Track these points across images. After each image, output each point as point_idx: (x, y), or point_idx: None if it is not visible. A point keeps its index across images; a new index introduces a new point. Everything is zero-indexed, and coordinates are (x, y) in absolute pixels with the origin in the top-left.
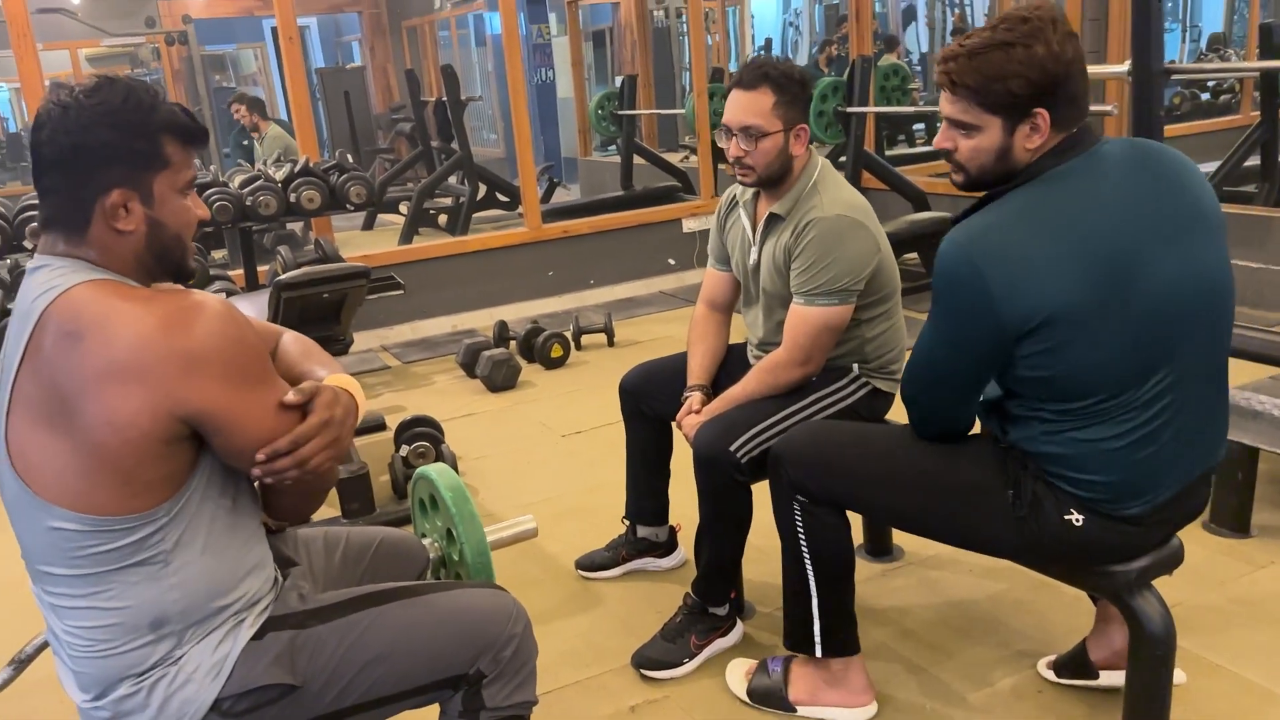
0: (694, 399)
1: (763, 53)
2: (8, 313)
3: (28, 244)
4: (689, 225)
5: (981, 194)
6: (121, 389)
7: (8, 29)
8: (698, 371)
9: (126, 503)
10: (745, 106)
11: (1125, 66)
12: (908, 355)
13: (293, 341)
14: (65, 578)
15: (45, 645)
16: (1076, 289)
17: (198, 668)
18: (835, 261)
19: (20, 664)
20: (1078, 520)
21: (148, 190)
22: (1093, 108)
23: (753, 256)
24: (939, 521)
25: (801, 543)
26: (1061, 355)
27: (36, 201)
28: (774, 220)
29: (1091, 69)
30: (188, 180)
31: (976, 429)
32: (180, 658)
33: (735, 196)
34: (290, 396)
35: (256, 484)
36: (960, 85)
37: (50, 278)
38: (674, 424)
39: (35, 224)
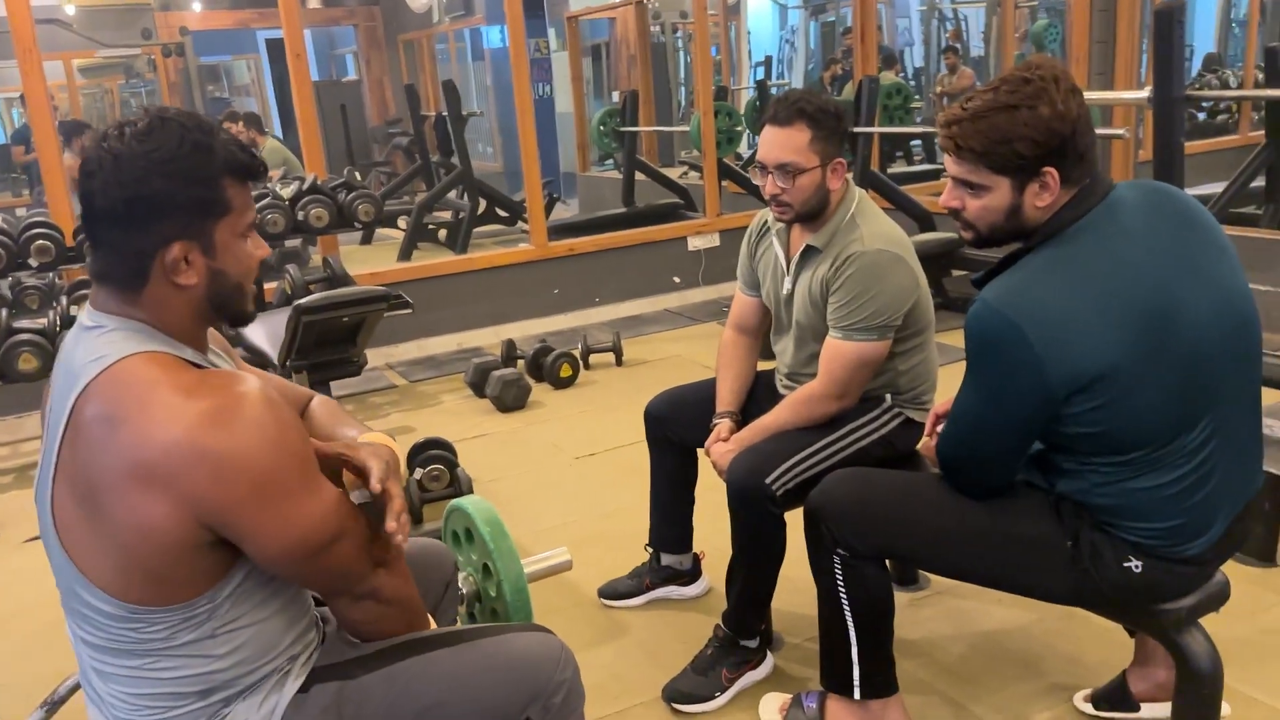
0: (723, 426)
1: (761, 70)
2: (12, 332)
3: (32, 262)
4: (694, 244)
5: (996, 252)
6: (146, 494)
7: (11, 42)
8: (727, 398)
9: (164, 596)
10: (781, 143)
11: (1146, 93)
12: (939, 382)
13: (320, 406)
14: (104, 648)
15: (78, 687)
16: (1121, 343)
17: None
18: (876, 297)
19: (53, 706)
20: (1137, 567)
21: (209, 240)
22: (1104, 131)
23: (786, 286)
24: (994, 573)
25: (841, 594)
26: (1111, 410)
27: (36, 219)
28: (811, 252)
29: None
30: (249, 223)
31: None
32: (227, 715)
33: (767, 222)
34: (355, 498)
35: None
36: (965, 149)
37: (101, 345)
38: (701, 451)
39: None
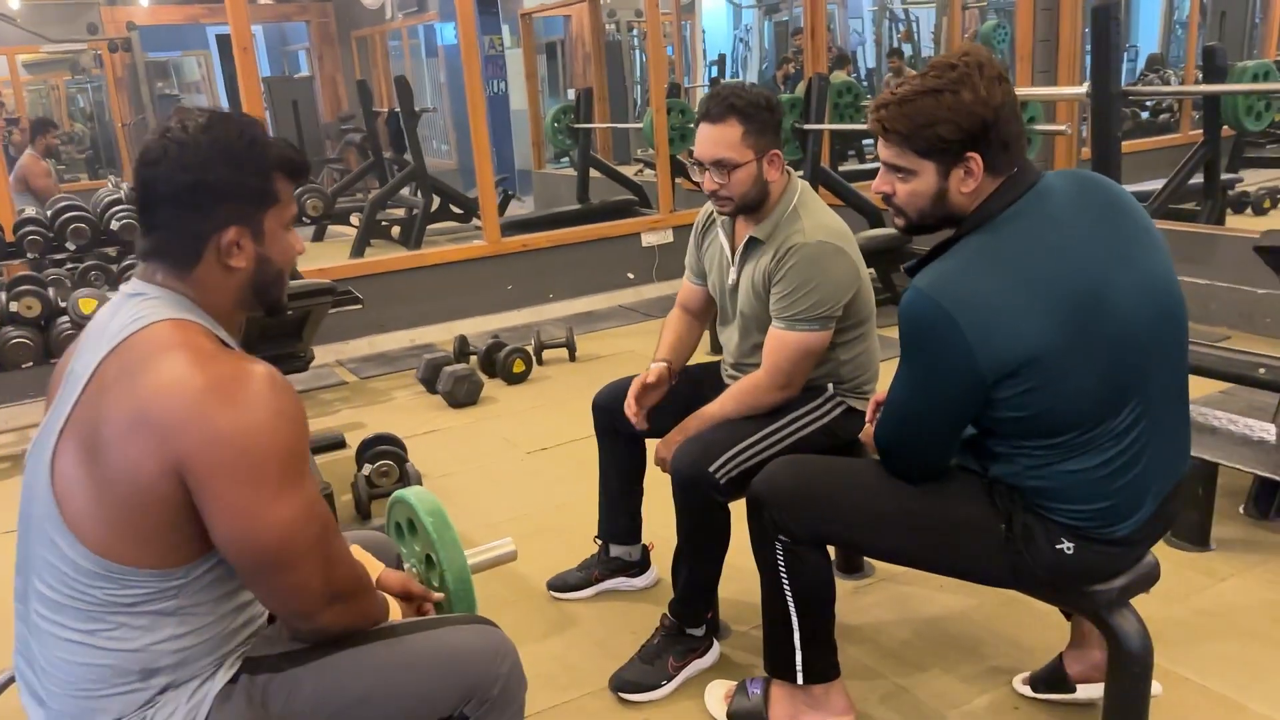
0: (653, 371)
1: (715, 69)
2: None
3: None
4: (648, 239)
5: (927, 241)
6: (142, 442)
7: None
8: (664, 349)
9: (148, 558)
10: (715, 139)
11: (1084, 89)
12: (880, 372)
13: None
14: (65, 606)
15: (9, 682)
16: (1049, 328)
17: (171, 715)
18: (817, 288)
19: None
20: (1069, 548)
21: (259, 227)
22: (1045, 127)
23: (731, 277)
24: (929, 556)
25: (784, 580)
26: (1040, 394)
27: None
28: (754, 244)
29: (1049, 91)
30: (292, 216)
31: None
32: (156, 704)
33: (712, 214)
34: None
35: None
36: (892, 131)
37: (142, 309)
38: (649, 442)
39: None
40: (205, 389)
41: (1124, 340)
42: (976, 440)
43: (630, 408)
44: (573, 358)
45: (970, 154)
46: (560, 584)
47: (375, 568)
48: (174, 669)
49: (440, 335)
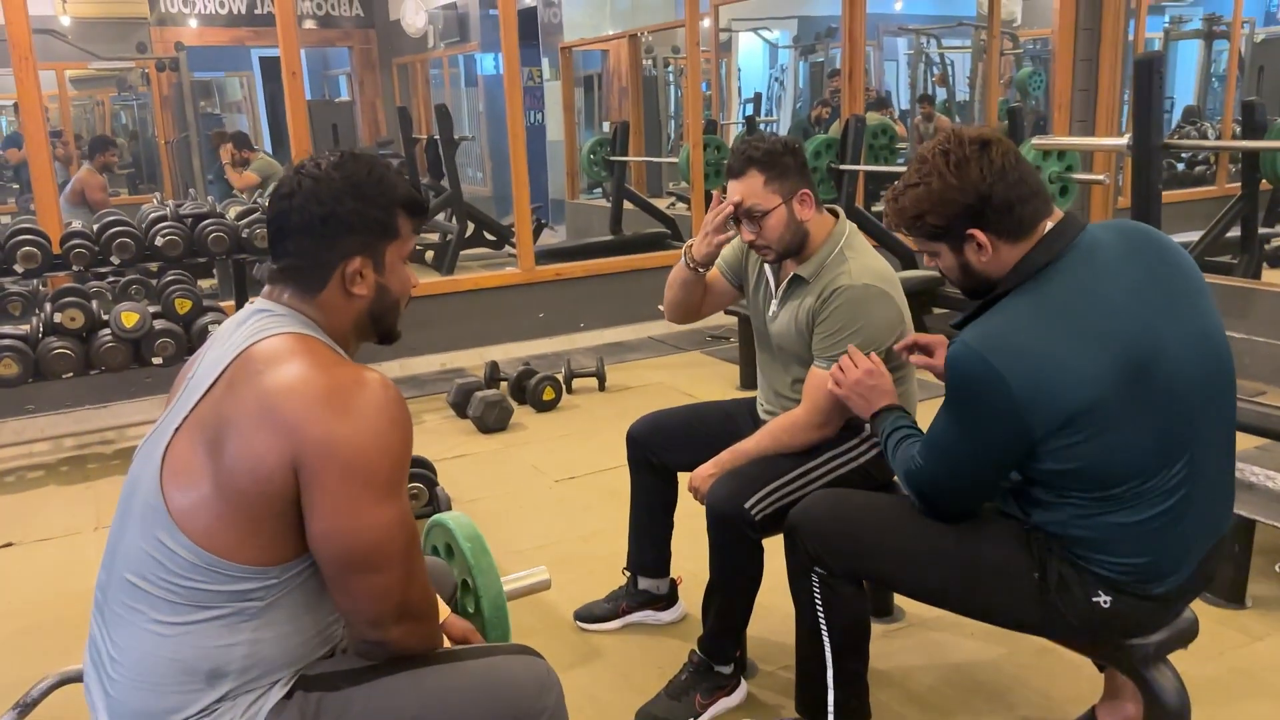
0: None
1: (750, 106)
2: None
3: (18, 268)
4: None
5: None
6: (264, 434)
7: (7, 49)
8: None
9: (248, 553)
10: (741, 192)
11: (1125, 140)
12: (918, 414)
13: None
14: (153, 596)
15: (51, 689)
16: (1100, 383)
17: None
18: (861, 329)
19: (25, 708)
20: (1105, 601)
21: (380, 258)
22: (1083, 176)
23: (772, 309)
24: (961, 598)
25: (819, 614)
26: (1090, 446)
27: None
28: (798, 282)
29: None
30: (410, 250)
31: None
32: (215, 711)
33: None
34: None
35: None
36: (898, 227)
37: (267, 323)
38: (681, 475)
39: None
40: (328, 391)
41: (1176, 393)
42: (1021, 487)
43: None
44: (602, 387)
45: (970, 231)
46: (587, 615)
47: (443, 610)
48: (240, 674)
49: (471, 360)
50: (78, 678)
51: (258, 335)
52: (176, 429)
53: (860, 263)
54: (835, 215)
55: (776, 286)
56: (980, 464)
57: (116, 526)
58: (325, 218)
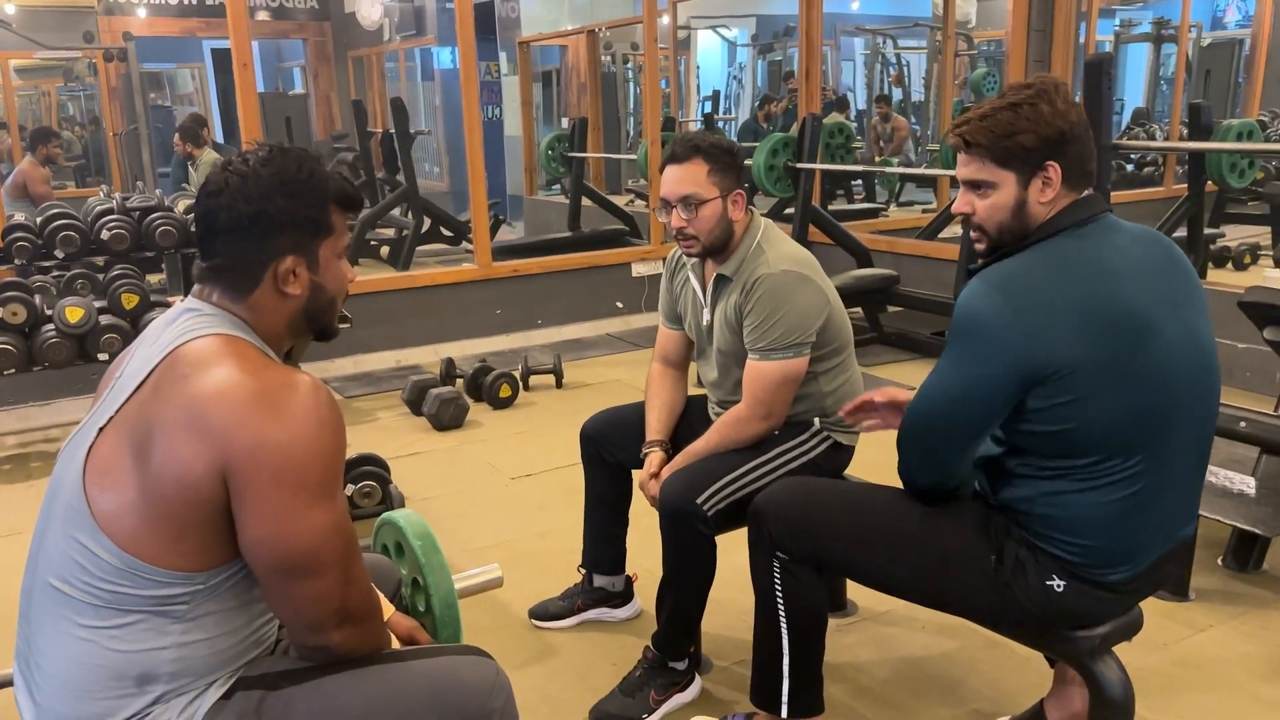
0: (653, 458)
1: (709, 104)
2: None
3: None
4: (639, 270)
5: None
6: (191, 441)
7: None
8: (656, 427)
9: (174, 559)
10: (682, 178)
11: None
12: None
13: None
14: (77, 601)
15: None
16: (1093, 342)
17: None
18: (785, 316)
19: None
20: (1058, 586)
21: (314, 256)
22: None
23: (705, 317)
24: (919, 583)
25: (778, 599)
26: (1070, 410)
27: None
28: (722, 281)
29: None
30: (345, 246)
31: None
32: (149, 714)
33: (680, 257)
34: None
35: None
36: (974, 144)
37: (196, 324)
38: (636, 472)
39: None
40: (256, 395)
41: (1159, 378)
42: (995, 461)
43: (649, 493)
44: (559, 384)
45: (1049, 162)
46: (542, 612)
47: (387, 608)
48: (171, 678)
49: (427, 357)
50: (9, 682)
51: (185, 336)
52: (101, 429)
53: (777, 251)
54: (750, 213)
55: (703, 292)
56: (967, 404)
57: (39, 530)
58: (254, 216)
